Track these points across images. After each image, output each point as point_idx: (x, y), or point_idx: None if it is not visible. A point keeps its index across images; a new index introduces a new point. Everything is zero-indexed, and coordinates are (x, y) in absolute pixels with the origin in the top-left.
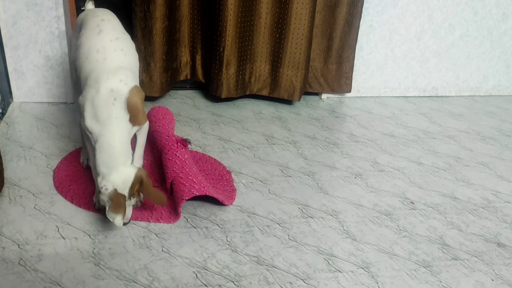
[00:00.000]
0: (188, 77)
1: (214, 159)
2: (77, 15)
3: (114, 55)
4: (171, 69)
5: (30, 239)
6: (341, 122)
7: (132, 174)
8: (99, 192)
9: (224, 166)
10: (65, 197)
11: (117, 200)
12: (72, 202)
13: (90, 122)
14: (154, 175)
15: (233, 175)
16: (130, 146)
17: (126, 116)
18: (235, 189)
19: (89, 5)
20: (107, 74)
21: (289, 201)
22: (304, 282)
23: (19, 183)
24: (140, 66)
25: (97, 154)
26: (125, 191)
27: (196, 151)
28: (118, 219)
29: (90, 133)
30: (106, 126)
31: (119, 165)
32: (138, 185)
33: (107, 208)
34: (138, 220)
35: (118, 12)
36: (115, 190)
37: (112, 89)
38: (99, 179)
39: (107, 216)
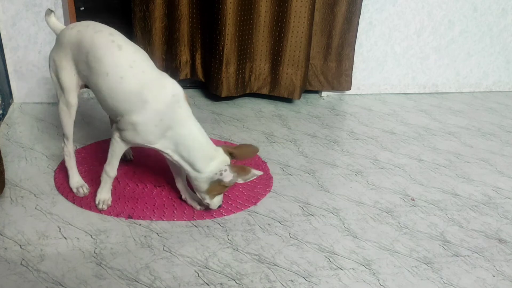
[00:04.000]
0: (188, 76)
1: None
2: (77, 15)
3: (145, 64)
4: (171, 68)
5: (32, 240)
6: (341, 119)
7: (223, 153)
8: (217, 181)
9: (259, 157)
10: (66, 197)
11: (238, 168)
12: (74, 203)
13: (168, 138)
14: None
15: None
16: None
17: (189, 107)
18: (272, 177)
19: (53, 18)
20: (158, 83)
21: (290, 199)
22: (305, 280)
23: (20, 184)
24: None
25: (187, 156)
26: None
27: (230, 142)
28: (255, 172)
29: (166, 150)
30: (182, 128)
31: (213, 151)
32: (236, 156)
33: (240, 180)
34: (141, 219)
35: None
36: (230, 165)
37: (173, 95)
38: (208, 171)
39: (247, 180)
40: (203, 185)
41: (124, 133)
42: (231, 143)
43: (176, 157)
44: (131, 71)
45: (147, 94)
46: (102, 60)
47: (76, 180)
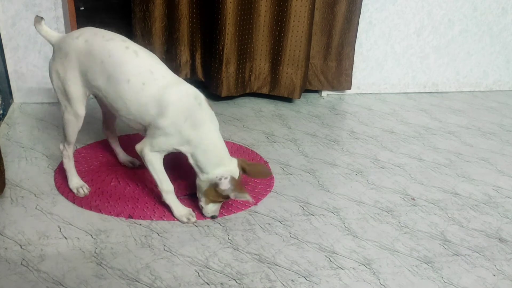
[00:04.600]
0: (188, 76)
1: (251, 150)
2: (76, 15)
3: (163, 69)
4: (171, 68)
5: (32, 240)
6: (341, 119)
7: (236, 165)
8: (214, 185)
9: (261, 157)
10: (67, 197)
11: (238, 182)
12: (74, 202)
13: (187, 137)
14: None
15: None
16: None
17: (211, 111)
18: (273, 177)
19: (44, 26)
20: (178, 86)
21: (290, 199)
22: (306, 279)
23: (20, 184)
24: None
25: (202, 161)
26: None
27: (233, 143)
28: (247, 196)
29: (185, 149)
30: (202, 129)
31: (226, 159)
32: (241, 176)
33: (232, 195)
34: (141, 219)
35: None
36: (232, 177)
37: (195, 97)
38: (212, 174)
39: (237, 198)
40: (203, 185)
41: (156, 141)
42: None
43: (191, 161)
44: (152, 76)
45: (168, 97)
46: (121, 68)
47: (75, 181)
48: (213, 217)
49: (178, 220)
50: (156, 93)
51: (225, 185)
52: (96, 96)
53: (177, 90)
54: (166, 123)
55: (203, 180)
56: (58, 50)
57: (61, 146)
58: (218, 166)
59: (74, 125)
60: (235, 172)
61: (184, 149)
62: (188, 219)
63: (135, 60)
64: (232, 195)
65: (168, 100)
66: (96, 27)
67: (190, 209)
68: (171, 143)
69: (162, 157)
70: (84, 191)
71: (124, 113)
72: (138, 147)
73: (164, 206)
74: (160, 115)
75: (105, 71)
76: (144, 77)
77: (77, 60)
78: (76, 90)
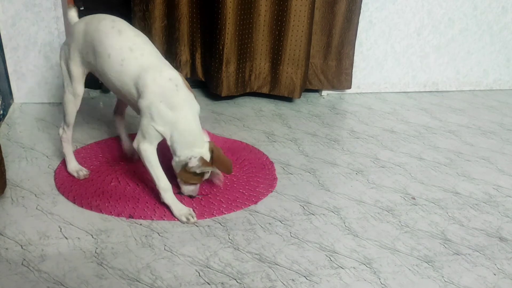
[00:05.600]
0: (188, 75)
1: (258, 150)
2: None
3: (147, 49)
4: None
5: (33, 240)
6: (341, 118)
7: (208, 149)
8: (185, 165)
9: (267, 157)
10: (67, 197)
11: (205, 161)
12: (74, 202)
13: (164, 119)
14: None
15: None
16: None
17: (190, 94)
18: (276, 177)
19: (73, 13)
20: (156, 67)
21: (291, 198)
22: (306, 279)
23: (21, 184)
24: None
25: (177, 142)
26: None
27: (241, 141)
28: (212, 168)
29: (164, 130)
30: (179, 112)
31: (200, 142)
32: (212, 158)
33: (198, 170)
34: (142, 219)
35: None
36: (203, 158)
37: (170, 78)
38: (183, 155)
39: (203, 171)
40: (176, 167)
41: (143, 127)
42: (241, 142)
43: (168, 142)
44: (131, 54)
45: (145, 79)
46: (104, 43)
47: (73, 164)
48: (191, 197)
49: (177, 219)
50: (134, 73)
51: (193, 163)
52: (94, 74)
53: (153, 72)
54: (145, 104)
55: (177, 161)
56: (68, 33)
57: (61, 131)
58: (191, 148)
59: (73, 104)
60: (206, 154)
61: (163, 130)
62: (188, 219)
63: (117, 37)
64: (198, 170)
65: (144, 82)
66: None
67: (190, 209)
68: (153, 125)
69: (155, 150)
70: (83, 173)
71: (114, 90)
72: (134, 143)
73: (164, 206)
74: (139, 96)
75: (93, 47)
76: (123, 54)
77: (77, 40)
78: (76, 68)
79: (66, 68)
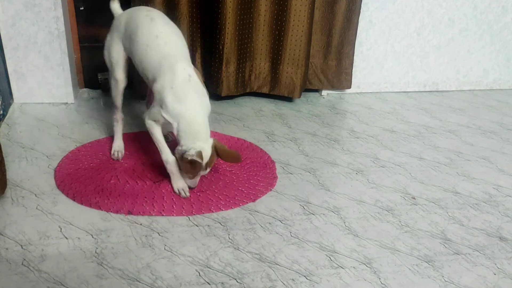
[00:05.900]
0: None
1: (261, 149)
2: (76, 15)
3: (172, 39)
4: None
5: (33, 240)
6: (341, 118)
7: (210, 145)
8: (184, 154)
9: (269, 156)
10: (67, 195)
11: (201, 155)
12: (74, 200)
13: (171, 107)
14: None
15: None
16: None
17: (203, 90)
18: (276, 176)
19: (116, 4)
20: (175, 57)
21: (291, 198)
22: (306, 278)
23: (21, 184)
24: None
25: (182, 131)
26: (205, 159)
27: (244, 140)
28: (203, 163)
29: (170, 119)
30: (187, 103)
31: (204, 137)
32: (214, 156)
33: (190, 159)
34: (141, 215)
35: None
36: (201, 152)
37: (184, 68)
38: (185, 145)
39: (192, 158)
40: (177, 155)
41: (153, 109)
42: (244, 140)
43: (175, 131)
44: (156, 41)
45: (163, 63)
46: (137, 29)
47: (118, 144)
48: (190, 188)
49: (172, 189)
50: (155, 60)
51: (189, 154)
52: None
53: (170, 61)
54: (157, 88)
55: (179, 150)
56: (113, 24)
57: (113, 113)
58: (194, 140)
59: (116, 89)
60: (207, 150)
61: (171, 119)
62: (179, 192)
63: (147, 24)
64: (192, 158)
65: (160, 68)
66: (96, 27)
67: (186, 185)
68: (162, 114)
69: (159, 126)
70: (119, 155)
71: (140, 73)
72: (144, 115)
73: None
74: (156, 79)
75: (130, 33)
76: (149, 40)
77: (119, 30)
78: (116, 55)
79: (108, 56)
